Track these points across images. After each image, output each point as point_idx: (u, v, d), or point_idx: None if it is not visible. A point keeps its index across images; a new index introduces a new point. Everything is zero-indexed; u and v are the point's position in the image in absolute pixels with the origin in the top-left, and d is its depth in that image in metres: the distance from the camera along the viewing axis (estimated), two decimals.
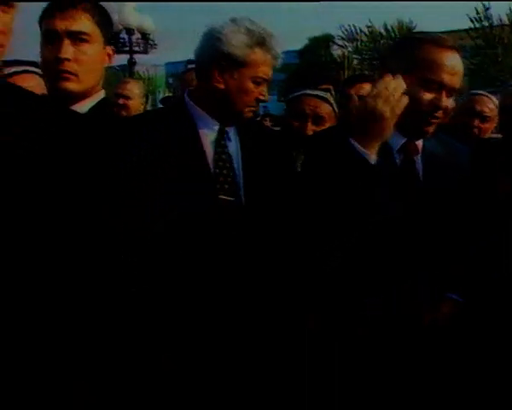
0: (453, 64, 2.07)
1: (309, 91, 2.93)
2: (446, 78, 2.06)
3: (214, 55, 2.27)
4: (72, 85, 2.22)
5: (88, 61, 2.11)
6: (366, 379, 2.06)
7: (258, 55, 2.23)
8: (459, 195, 2.20)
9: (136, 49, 17.70)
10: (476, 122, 3.55)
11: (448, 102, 2.10)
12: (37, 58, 2.37)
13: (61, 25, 2.18)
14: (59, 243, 1.65)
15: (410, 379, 2.08)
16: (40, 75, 3.06)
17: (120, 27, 16.83)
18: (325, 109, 2.89)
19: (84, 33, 2.15)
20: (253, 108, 2.31)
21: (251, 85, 2.24)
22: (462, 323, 2.15)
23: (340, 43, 40.59)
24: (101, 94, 2.07)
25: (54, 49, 2.24)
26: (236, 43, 2.21)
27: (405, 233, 2.07)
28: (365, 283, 2.08)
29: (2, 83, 1.73)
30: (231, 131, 2.35)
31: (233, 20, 2.29)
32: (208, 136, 2.29)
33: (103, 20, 2.11)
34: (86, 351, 1.66)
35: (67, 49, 2.17)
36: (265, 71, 2.27)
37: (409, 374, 2.08)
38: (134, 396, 1.89)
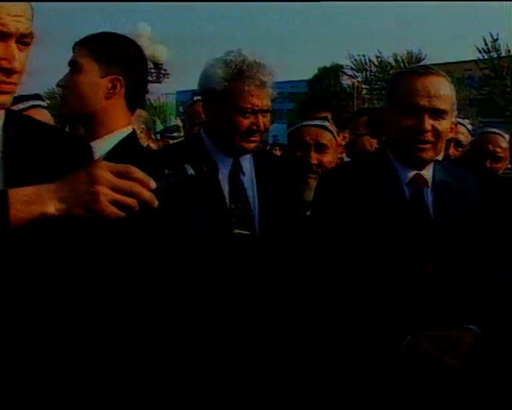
0: (430, 87, 2.03)
1: (308, 122, 2.87)
2: (423, 100, 2.02)
3: (201, 92, 2.31)
4: (62, 111, 2.17)
5: (74, 88, 1.97)
6: (364, 378, 2.04)
7: (237, 86, 2.18)
8: (470, 226, 2.15)
9: (149, 78, 17.83)
10: (488, 162, 3.44)
11: (435, 124, 2.05)
12: None
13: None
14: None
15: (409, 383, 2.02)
16: (45, 107, 3.10)
17: None
18: (326, 137, 2.80)
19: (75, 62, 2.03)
20: (252, 139, 2.24)
21: (238, 118, 2.19)
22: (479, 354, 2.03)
23: (350, 73, 41.04)
24: (127, 130, 1.95)
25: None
26: (213, 77, 2.19)
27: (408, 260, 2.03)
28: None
29: (25, 117, 1.71)
30: (246, 165, 2.31)
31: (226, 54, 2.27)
32: (223, 171, 2.25)
33: (99, 51, 1.95)
34: (86, 352, 1.64)
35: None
36: (252, 101, 2.20)
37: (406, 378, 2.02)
38: (134, 397, 1.86)
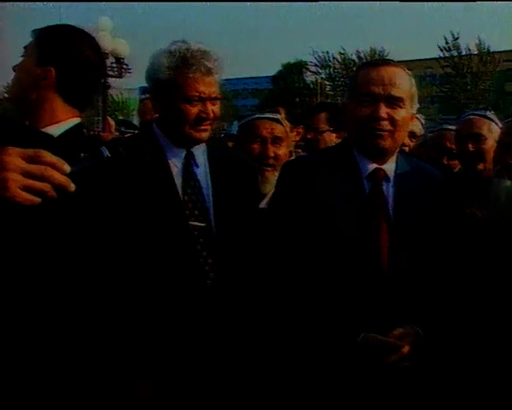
0: (385, 75, 2.04)
1: (261, 115, 2.84)
2: (377, 89, 2.02)
3: (148, 84, 2.27)
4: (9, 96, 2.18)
5: (17, 72, 1.96)
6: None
7: (182, 74, 2.13)
8: (432, 219, 2.09)
9: (110, 73, 16.85)
10: (445, 159, 3.38)
11: (391, 112, 2.03)
12: None
13: None
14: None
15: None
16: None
17: None
18: (280, 130, 2.77)
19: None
20: (203, 128, 2.17)
21: (185, 106, 2.13)
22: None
23: (313, 69, 42.53)
24: (76, 120, 1.91)
25: None
26: (159, 67, 2.15)
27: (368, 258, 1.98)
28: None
29: None
30: (199, 157, 2.24)
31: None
32: (176, 163, 2.19)
33: (42, 40, 1.92)
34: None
35: None
36: (198, 88, 2.13)
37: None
38: None
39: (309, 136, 3.45)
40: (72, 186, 1.23)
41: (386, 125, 2.04)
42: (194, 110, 2.16)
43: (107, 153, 1.44)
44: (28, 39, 1.99)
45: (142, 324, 1.98)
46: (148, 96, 3.37)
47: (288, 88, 42.00)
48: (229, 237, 2.19)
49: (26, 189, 1.18)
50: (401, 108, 2.06)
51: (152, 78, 2.21)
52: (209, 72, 2.16)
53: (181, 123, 2.17)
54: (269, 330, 2.14)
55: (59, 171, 1.21)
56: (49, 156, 1.21)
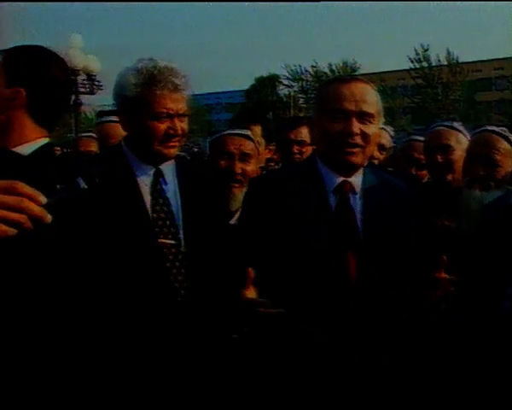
0: (355, 91, 2.06)
1: (230, 131, 2.86)
2: (349, 105, 2.04)
3: (116, 101, 2.28)
4: None
5: None
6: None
7: (149, 91, 2.13)
8: (400, 232, 2.10)
9: (82, 90, 16.73)
10: (414, 169, 3.37)
11: (363, 127, 2.05)
12: None
13: None
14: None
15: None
16: None
17: None
18: (249, 146, 2.77)
19: None
20: (171, 145, 2.18)
21: (154, 123, 2.14)
22: None
23: (286, 82, 43.00)
24: (45, 140, 1.92)
25: None
26: (126, 84, 2.16)
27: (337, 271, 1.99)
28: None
29: None
30: (168, 174, 2.25)
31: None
32: (145, 181, 2.19)
33: (10, 61, 1.93)
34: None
35: None
36: (166, 105, 2.14)
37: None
38: None
39: (295, 149, 3.37)
40: (49, 217, 1.22)
41: (358, 140, 2.06)
42: (162, 127, 2.16)
43: (83, 184, 1.43)
44: None
45: (114, 343, 1.97)
46: (103, 119, 3.35)
47: (261, 101, 42.27)
48: (199, 253, 2.19)
49: (2, 220, 1.18)
50: (371, 123, 2.09)
51: (119, 95, 2.22)
52: (176, 88, 2.17)
53: (149, 140, 2.16)
54: (239, 345, 2.14)
55: (35, 202, 1.20)
56: (25, 187, 1.20)
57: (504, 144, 2.56)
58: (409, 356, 2.08)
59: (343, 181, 2.11)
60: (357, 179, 2.13)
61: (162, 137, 2.17)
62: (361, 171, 2.15)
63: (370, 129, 2.08)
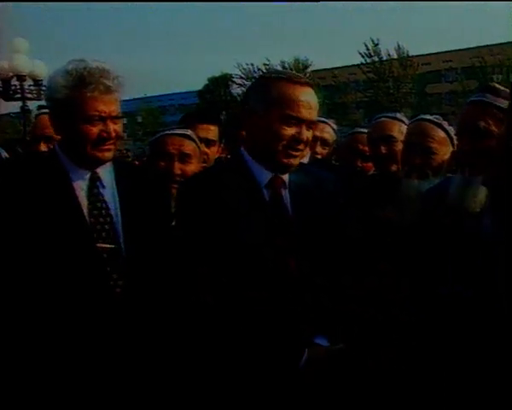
0: (309, 99, 2.08)
1: (170, 131, 2.79)
2: (305, 113, 2.06)
3: (47, 104, 2.22)
4: None
5: None
6: None
7: (79, 94, 2.07)
8: (329, 221, 2.13)
9: (29, 95, 16.08)
10: (359, 162, 3.37)
11: (308, 134, 2.11)
12: None
13: None
14: None
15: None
16: None
17: (11, 74, 17.41)
18: (189, 146, 2.72)
19: None
20: (106, 148, 2.12)
21: (86, 126, 2.08)
22: None
23: (239, 81, 43.53)
24: None
25: None
26: (55, 87, 2.10)
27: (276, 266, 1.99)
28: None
29: None
30: (105, 177, 2.20)
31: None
32: (81, 185, 2.15)
33: None
34: None
35: None
36: (97, 107, 2.08)
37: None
38: None
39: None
40: None
41: (303, 146, 2.11)
42: (94, 130, 2.11)
43: (4, 153, 1.33)
44: None
45: (53, 348, 1.97)
46: (42, 111, 3.25)
47: (215, 101, 42.25)
48: (140, 256, 2.16)
49: None
50: (312, 128, 2.15)
51: (49, 98, 2.16)
52: (108, 90, 2.11)
53: (82, 144, 2.11)
54: (183, 347, 2.12)
55: None
56: None
57: (439, 132, 2.60)
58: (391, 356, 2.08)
59: (274, 176, 2.13)
60: (285, 174, 2.16)
61: (95, 141, 2.12)
62: None
63: (311, 134, 2.14)
